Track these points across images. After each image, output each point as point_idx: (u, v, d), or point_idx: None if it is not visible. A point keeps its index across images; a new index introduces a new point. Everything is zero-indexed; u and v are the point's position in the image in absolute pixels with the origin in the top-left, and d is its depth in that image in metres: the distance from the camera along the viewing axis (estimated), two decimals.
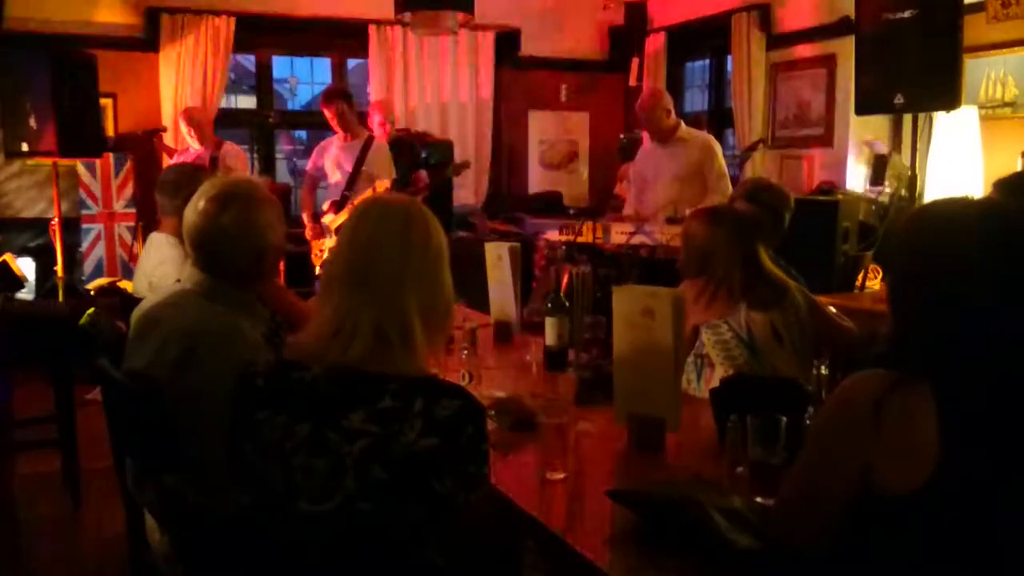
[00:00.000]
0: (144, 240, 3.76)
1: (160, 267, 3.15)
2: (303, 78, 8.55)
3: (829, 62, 5.76)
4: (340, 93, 5.58)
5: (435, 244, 1.53)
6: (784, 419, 1.65)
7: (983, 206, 1.38)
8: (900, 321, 1.37)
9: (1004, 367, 1.25)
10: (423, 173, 5.95)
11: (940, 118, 4.56)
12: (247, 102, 8.21)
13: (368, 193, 4.92)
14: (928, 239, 1.34)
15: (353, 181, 5.43)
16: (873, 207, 4.97)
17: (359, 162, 5.44)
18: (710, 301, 2.61)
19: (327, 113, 5.45)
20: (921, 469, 1.21)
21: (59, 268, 5.26)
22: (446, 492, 1.38)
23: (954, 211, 1.36)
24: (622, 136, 6.70)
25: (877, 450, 1.25)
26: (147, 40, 6.36)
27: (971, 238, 1.29)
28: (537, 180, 7.70)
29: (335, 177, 5.54)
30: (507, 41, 7.36)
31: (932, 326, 1.30)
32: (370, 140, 5.54)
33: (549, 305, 2.74)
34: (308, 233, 5.55)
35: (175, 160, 5.71)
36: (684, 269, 2.73)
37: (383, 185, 5.26)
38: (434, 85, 7.15)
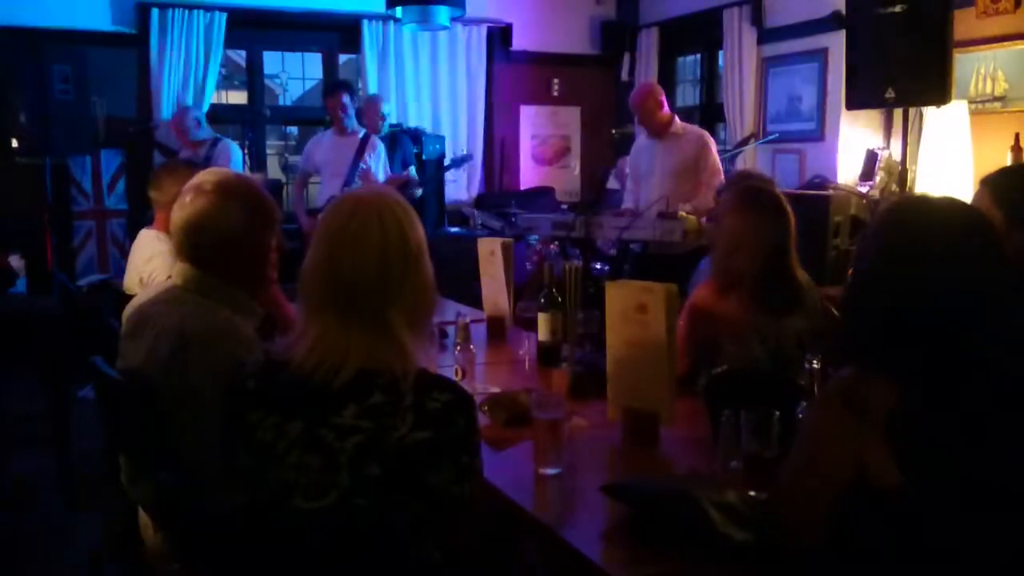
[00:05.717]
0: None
1: (150, 263, 3.15)
2: (294, 74, 8.50)
3: (820, 57, 5.77)
4: (349, 85, 5.58)
5: (413, 242, 1.47)
6: (778, 413, 1.65)
7: (953, 205, 1.41)
8: (860, 315, 1.38)
9: (970, 364, 1.28)
10: (412, 169, 5.95)
11: (930, 113, 4.57)
12: (238, 98, 8.18)
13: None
14: (897, 235, 1.37)
15: (352, 177, 5.42)
16: (864, 201, 4.99)
17: (357, 157, 5.43)
18: (733, 301, 2.43)
19: (340, 102, 5.43)
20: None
21: (50, 265, 5.24)
22: (441, 484, 1.38)
23: (924, 209, 1.40)
24: (614, 131, 6.70)
25: (863, 437, 1.27)
26: (137, 36, 6.33)
27: (939, 236, 1.33)
28: (529, 175, 7.69)
29: (330, 172, 5.52)
30: (499, 36, 7.35)
31: (898, 321, 1.32)
32: (367, 136, 5.53)
33: (542, 300, 2.74)
34: (307, 227, 5.53)
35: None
36: (712, 260, 2.58)
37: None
38: (426, 80, 7.13)
